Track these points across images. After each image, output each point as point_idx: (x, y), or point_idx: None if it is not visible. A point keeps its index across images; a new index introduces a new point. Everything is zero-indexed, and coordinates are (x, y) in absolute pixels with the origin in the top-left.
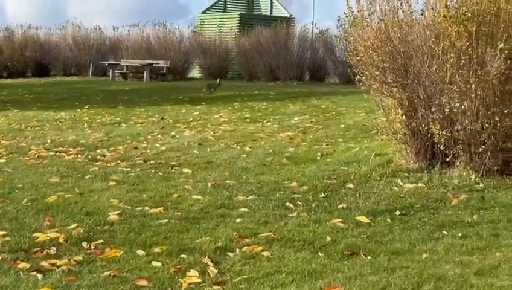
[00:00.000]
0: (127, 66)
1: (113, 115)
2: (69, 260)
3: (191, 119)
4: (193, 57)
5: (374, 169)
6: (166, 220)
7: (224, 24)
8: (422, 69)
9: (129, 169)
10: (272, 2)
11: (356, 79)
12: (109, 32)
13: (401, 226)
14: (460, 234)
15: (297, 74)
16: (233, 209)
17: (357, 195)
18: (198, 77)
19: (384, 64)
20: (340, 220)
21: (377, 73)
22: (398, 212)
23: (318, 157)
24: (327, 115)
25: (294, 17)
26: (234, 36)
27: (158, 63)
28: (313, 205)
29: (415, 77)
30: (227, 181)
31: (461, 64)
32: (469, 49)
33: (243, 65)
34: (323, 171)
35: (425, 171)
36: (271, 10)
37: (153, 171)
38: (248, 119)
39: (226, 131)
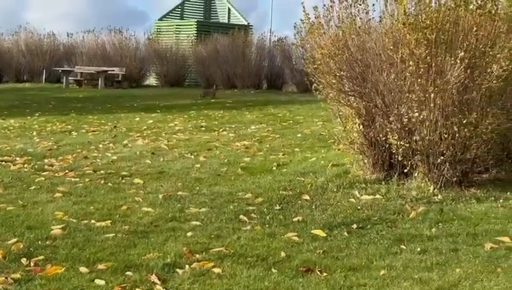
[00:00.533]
0: (81, 72)
1: (65, 123)
2: (6, 278)
3: (145, 127)
4: (149, 64)
5: (331, 180)
6: (113, 235)
7: (181, 31)
8: (381, 78)
9: (77, 179)
10: (229, 10)
11: (313, 87)
12: (63, 38)
13: (358, 241)
14: (419, 249)
15: (255, 82)
16: (184, 223)
17: (313, 207)
18: (154, 84)
19: (342, 73)
20: (296, 234)
21: (334, 81)
22: (355, 226)
23: (274, 168)
24: (284, 123)
25: (252, 25)
26: (191, 44)
27: (113, 70)
28: (268, 217)
29: (372, 86)
30: (180, 192)
31: (420, 72)
32: (428, 58)
33: (200, 73)
34: (279, 182)
35: (383, 183)
36: (228, 18)
37: (102, 181)
38: (204, 128)
39: (181, 140)
